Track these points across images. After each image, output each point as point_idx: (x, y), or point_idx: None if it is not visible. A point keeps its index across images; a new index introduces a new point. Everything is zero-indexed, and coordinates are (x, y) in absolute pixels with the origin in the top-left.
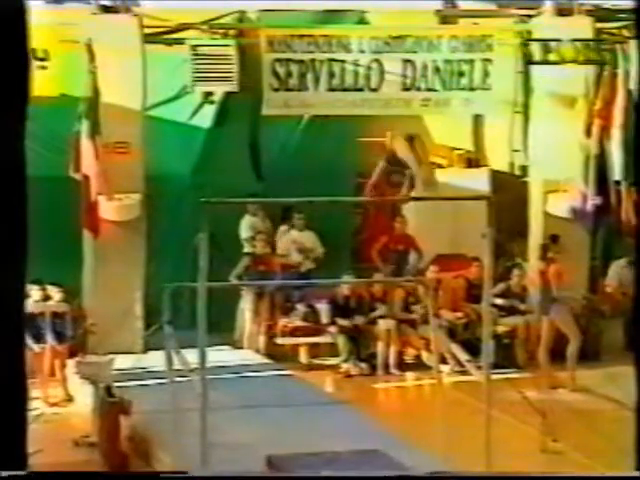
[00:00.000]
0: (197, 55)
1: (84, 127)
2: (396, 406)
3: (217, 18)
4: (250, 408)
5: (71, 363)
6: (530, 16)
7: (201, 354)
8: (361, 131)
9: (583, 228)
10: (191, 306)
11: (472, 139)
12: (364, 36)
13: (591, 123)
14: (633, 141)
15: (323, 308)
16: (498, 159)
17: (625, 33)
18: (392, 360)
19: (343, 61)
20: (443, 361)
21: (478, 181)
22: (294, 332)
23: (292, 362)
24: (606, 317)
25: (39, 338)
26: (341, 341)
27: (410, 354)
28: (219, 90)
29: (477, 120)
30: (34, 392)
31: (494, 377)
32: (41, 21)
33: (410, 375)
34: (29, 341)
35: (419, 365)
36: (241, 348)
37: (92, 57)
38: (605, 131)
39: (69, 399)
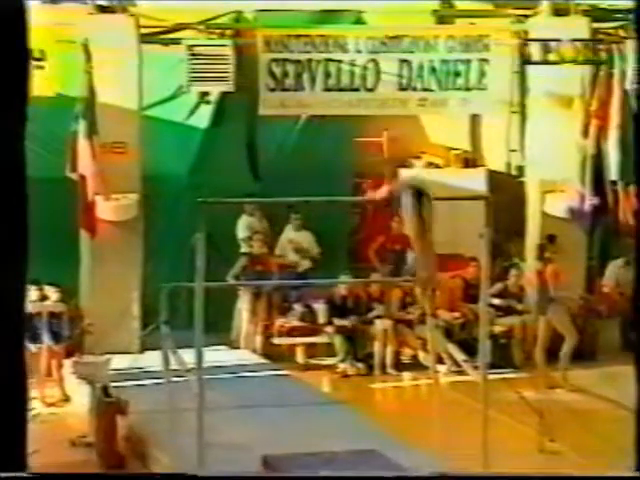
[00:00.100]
0: (193, 55)
1: (81, 127)
2: (393, 406)
3: (214, 18)
4: (247, 408)
5: (68, 363)
6: (527, 16)
7: (198, 354)
8: (358, 131)
9: (580, 228)
10: (188, 306)
11: (469, 139)
12: (361, 36)
13: (588, 123)
14: (632, 141)
15: (320, 308)
16: (495, 159)
17: (621, 33)
18: (389, 360)
19: (339, 61)
20: (440, 361)
21: (475, 181)
22: (291, 332)
23: (289, 362)
24: (603, 317)
25: (36, 338)
26: (338, 341)
27: (407, 354)
28: (215, 90)
29: (474, 120)
30: (31, 392)
31: (491, 377)
32: (38, 21)
33: (407, 375)
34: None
35: (416, 365)
36: (238, 348)
37: (89, 57)
38: (602, 131)
39: (66, 399)
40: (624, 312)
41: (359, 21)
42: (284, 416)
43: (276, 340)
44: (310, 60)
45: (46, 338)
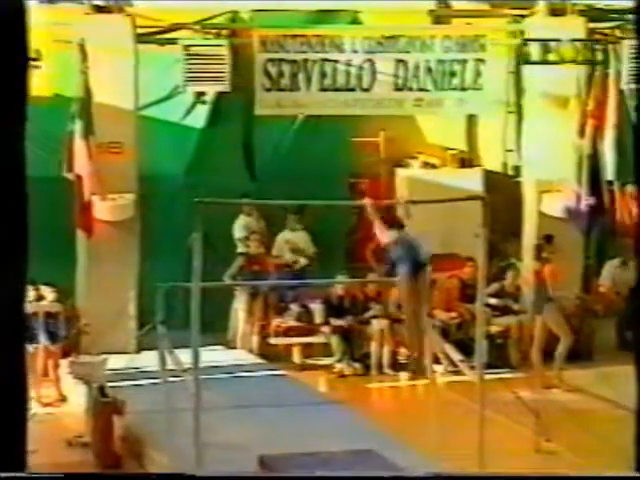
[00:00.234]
0: (190, 55)
1: (77, 127)
2: (390, 406)
3: (210, 18)
4: (243, 408)
5: (64, 363)
6: (523, 16)
7: (194, 354)
8: (354, 131)
9: (577, 228)
10: (185, 306)
11: (465, 139)
12: (357, 36)
13: (584, 123)
14: (628, 141)
15: (317, 308)
16: (491, 159)
17: (617, 33)
18: (386, 360)
19: (336, 61)
20: (436, 361)
21: (471, 181)
22: (287, 332)
23: (286, 362)
24: (599, 317)
25: (32, 338)
26: (335, 341)
27: (404, 354)
28: (211, 90)
29: (470, 120)
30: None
31: (487, 377)
32: (34, 21)
33: (404, 375)
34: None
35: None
36: (234, 348)
37: (85, 57)
38: (598, 131)
39: (62, 399)
40: (620, 312)
41: (355, 21)
42: (281, 416)
43: (273, 340)
44: (306, 60)
45: (42, 338)
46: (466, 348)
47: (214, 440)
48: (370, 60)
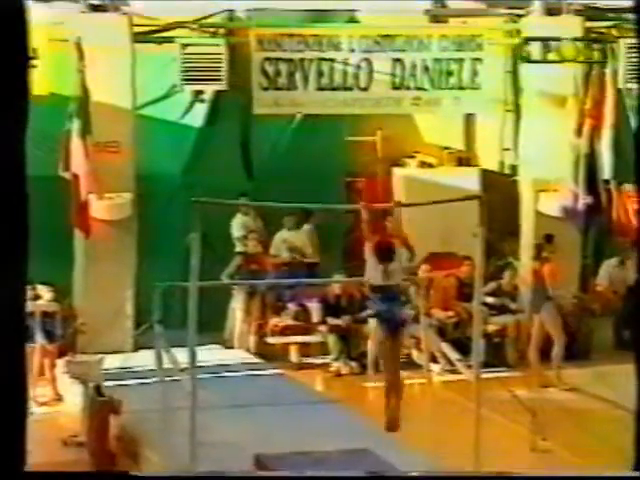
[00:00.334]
0: (187, 54)
1: (74, 126)
2: None
3: (207, 17)
4: (240, 407)
5: (61, 362)
6: (520, 15)
7: (191, 353)
8: (351, 130)
9: (574, 227)
10: (182, 305)
11: (463, 138)
12: (354, 35)
13: (582, 122)
14: (625, 140)
15: (314, 307)
16: (489, 158)
17: (615, 32)
18: None
19: (333, 60)
20: (433, 360)
21: (468, 180)
22: (284, 331)
23: (282, 361)
24: (596, 316)
25: (29, 337)
26: (332, 340)
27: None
28: (209, 89)
29: (468, 119)
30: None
31: (484, 376)
32: (30, 20)
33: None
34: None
35: (409, 364)
36: (232, 347)
37: (81, 56)
38: (595, 130)
39: (58, 398)
40: (618, 311)
41: (352, 20)
42: (277, 415)
43: (270, 339)
44: (303, 59)
45: (39, 337)
46: (463, 347)
47: (210, 439)
48: (367, 59)
